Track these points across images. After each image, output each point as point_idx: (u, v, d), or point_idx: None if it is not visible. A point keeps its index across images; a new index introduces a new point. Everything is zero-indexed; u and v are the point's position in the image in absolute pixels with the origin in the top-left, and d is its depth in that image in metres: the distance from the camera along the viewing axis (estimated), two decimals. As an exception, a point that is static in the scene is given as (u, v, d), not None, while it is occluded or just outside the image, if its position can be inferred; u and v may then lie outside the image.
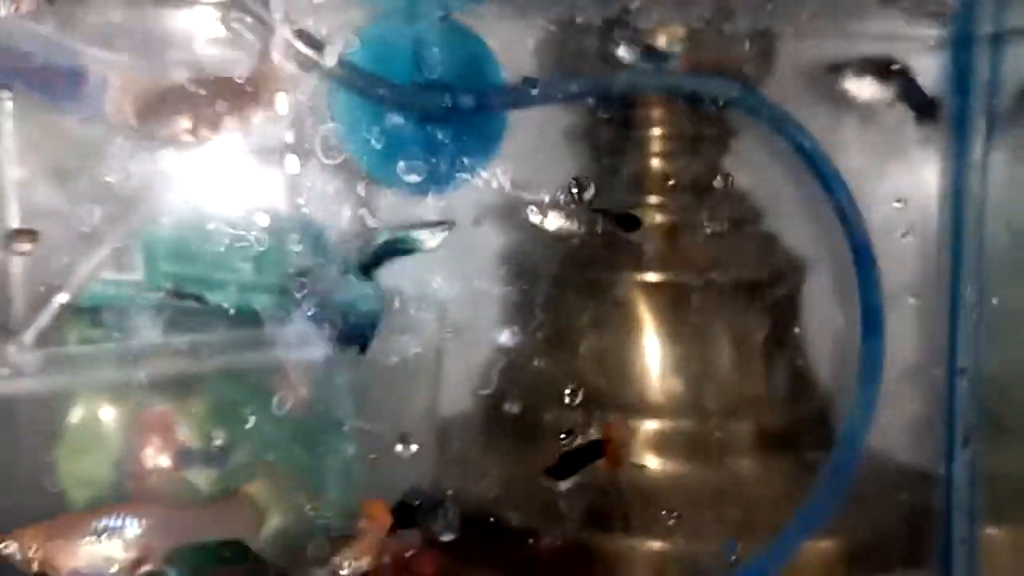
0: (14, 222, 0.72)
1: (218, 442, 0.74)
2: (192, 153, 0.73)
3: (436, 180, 0.73)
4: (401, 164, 0.71)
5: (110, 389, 0.73)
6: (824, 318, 0.87)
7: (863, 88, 0.74)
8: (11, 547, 0.64)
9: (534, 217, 0.71)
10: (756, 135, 0.87)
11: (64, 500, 0.73)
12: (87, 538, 0.65)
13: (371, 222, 0.83)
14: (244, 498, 0.71)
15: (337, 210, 0.83)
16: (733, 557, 0.68)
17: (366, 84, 0.71)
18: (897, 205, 0.75)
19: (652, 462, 0.80)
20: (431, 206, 0.74)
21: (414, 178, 0.70)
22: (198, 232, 0.75)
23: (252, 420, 0.74)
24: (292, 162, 0.76)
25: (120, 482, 0.73)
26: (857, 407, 0.73)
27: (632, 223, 0.77)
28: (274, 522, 0.72)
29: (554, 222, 0.71)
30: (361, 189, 0.77)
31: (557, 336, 0.85)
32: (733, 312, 0.83)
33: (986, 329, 0.72)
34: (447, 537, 0.66)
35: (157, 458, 0.75)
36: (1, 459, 0.70)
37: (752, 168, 0.87)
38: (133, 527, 0.65)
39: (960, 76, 0.75)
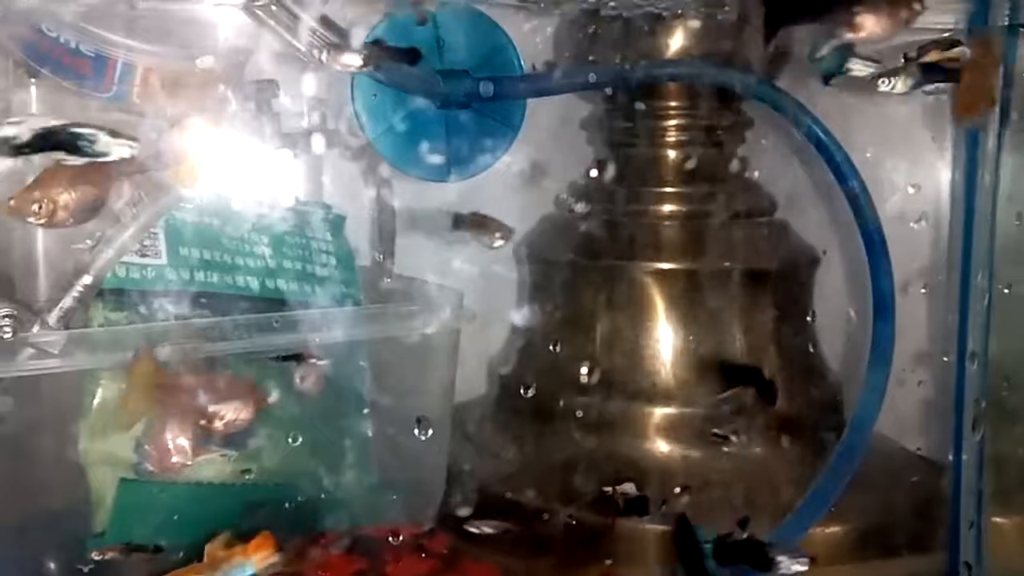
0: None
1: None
2: (215, 138, 0.74)
3: (456, 167, 0.74)
4: (422, 149, 0.72)
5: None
6: (836, 306, 0.88)
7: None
8: None
9: None
10: (771, 125, 0.88)
11: (87, 478, 0.75)
12: None
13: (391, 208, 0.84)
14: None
15: (358, 196, 0.84)
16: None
17: (388, 71, 0.71)
18: (911, 191, 0.76)
19: (664, 447, 0.81)
20: (450, 192, 0.75)
21: (436, 162, 0.71)
22: (221, 217, 0.76)
23: (272, 401, 0.76)
24: (314, 148, 0.78)
25: (142, 462, 0.75)
26: (867, 391, 0.74)
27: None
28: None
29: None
30: (382, 175, 0.79)
31: (572, 322, 0.86)
32: (745, 300, 0.84)
33: (995, 316, 0.73)
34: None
35: (178, 439, 0.76)
36: (25, 438, 0.71)
37: (766, 157, 0.88)
38: None
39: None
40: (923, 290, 0.82)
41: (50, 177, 0.62)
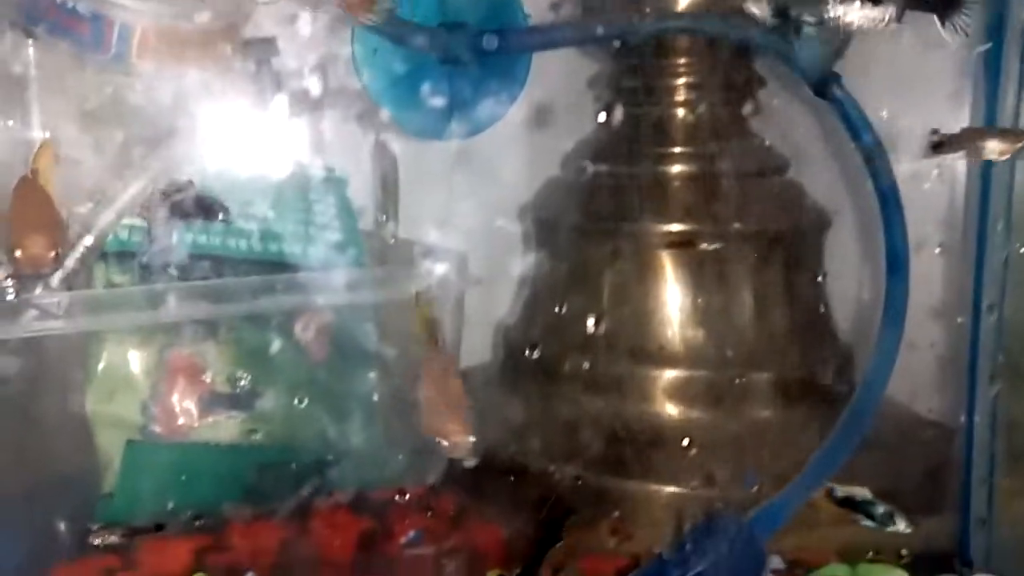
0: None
1: (244, 385, 0.75)
2: (215, 100, 0.73)
3: (459, 124, 0.72)
4: (424, 106, 0.70)
5: (137, 332, 0.74)
6: (848, 267, 0.87)
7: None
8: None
9: None
10: (782, 82, 0.86)
11: (93, 440, 0.75)
12: None
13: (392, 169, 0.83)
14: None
15: (360, 157, 0.83)
16: (755, 488, 0.69)
17: (391, 27, 0.70)
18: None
19: (673, 409, 0.81)
20: (454, 150, 0.74)
21: (438, 119, 0.70)
22: (221, 179, 0.75)
23: (277, 364, 0.76)
24: (315, 107, 0.77)
25: (148, 424, 0.75)
26: (879, 352, 0.73)
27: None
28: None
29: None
30: (383, 135, 0.78)
31: (579, 285, 0.85)
32: (755, 261, 0.83)
33: (1011, 275, 0.72)
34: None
35: (184, 401, 0.77)
36: (31, 400, 0.71)
37: (778, 116, 0.87)
38: None
39: (996, 22, 0.74)
40: (937, 250, 0.81)
41: None
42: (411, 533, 0.71)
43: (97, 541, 0.69)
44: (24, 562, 0.67)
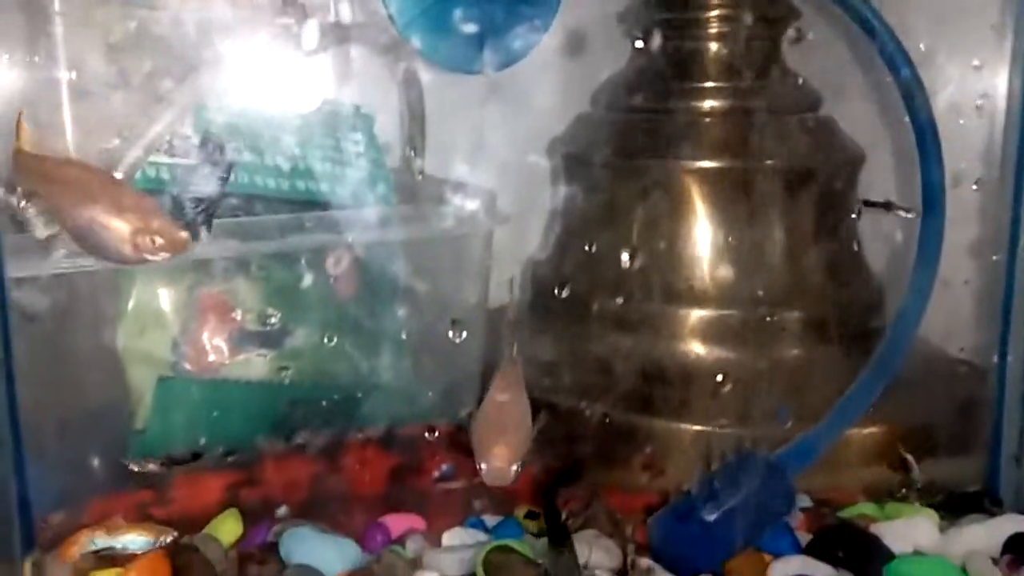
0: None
1: (274, 322, 0.75)
2: (243, 36, 0.72)
3: (489, 57, 0.71)
4: (454, 38, 0.69)
5: (167, 270, 0.74)
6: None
7: None
8: None
9: None
10: (818, 15, 0.84)
11: (125, 376, 0.75)
12: None
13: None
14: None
15: (387, 93, 0.82)
16: (788, 423, 0.69)
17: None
18: (976, 63, 0.72)
19: (703, 348, 0.80)
20: (483, 83, 0.72)
21: (467, 52, 0.68)
22: (250, 117, 0.75)
23: (306, 302, 0.76)
24: (342, 42, 0.75)
25: (179, 361, 0.75)
26: (912, 289, 0.72)
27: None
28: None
29: None
30: (411, 69, 0.76)
31: (609, 222, 0.84)
32: (787, 199, 0.82)
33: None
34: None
35: (214, 339, 0.77)
36: (62, 337, 0.72)
37: (813, 51, 0.85)
38: None
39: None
40: (974, 186, 0.79)
41: None
42: (443, 467, 0.72)
43: (136, 468, 0.70)
44: (58, 497, 0.68)
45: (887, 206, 0.77)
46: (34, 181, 0.59)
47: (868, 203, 0.79)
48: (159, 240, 0.55)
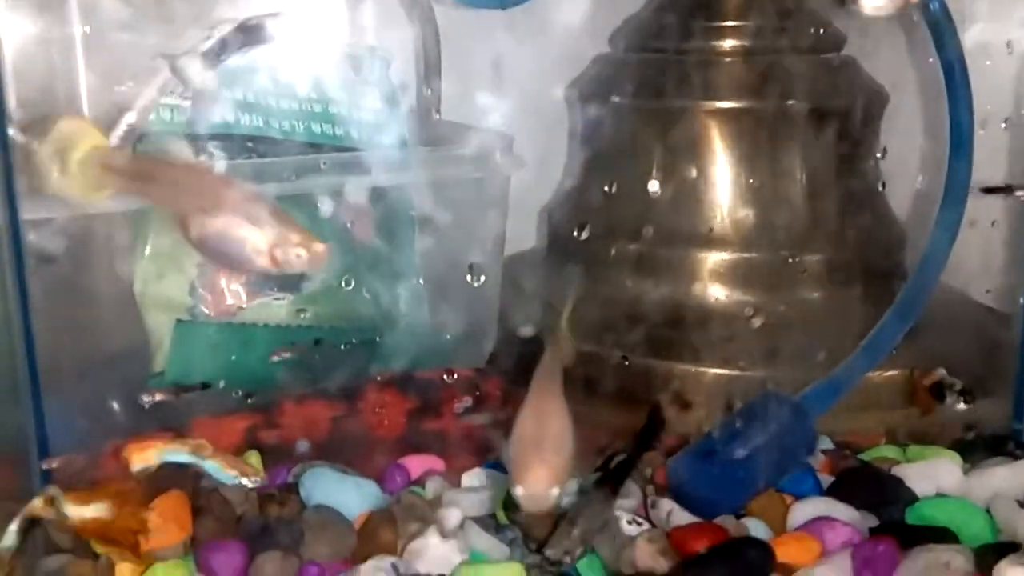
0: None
1: (291, 267, 0.74)
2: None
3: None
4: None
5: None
6: (910, 144, 0.84)
7: None
8: None
9: None
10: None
11: (143, 320, 0.75)
12: None
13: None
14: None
15: (402, 34, 0.81)
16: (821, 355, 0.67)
17: None
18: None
19: (723, 291, 0.79)
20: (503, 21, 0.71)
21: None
22: (262, 61, 0.74)
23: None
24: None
25: (196, 304, 0.75)
26: (938, 229, 0.70)
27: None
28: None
29: None
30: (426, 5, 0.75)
31: (627, 165, 0.83)
32: (808, 141, 0.80)
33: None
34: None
35: (231, 283, 0.77)
36: (79, 279, 0.72)
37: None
38: None
39: None
40: (1003, 125, 0.77)
41: None
42: (465, 400, 0.71)
43: (147, 398, 0.70)
44: (78, 438, 0.68)
45: (1008, 190, 0.75)
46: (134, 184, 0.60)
47: (988, 189, 0.76)
48: (301, 253, 0.55)
